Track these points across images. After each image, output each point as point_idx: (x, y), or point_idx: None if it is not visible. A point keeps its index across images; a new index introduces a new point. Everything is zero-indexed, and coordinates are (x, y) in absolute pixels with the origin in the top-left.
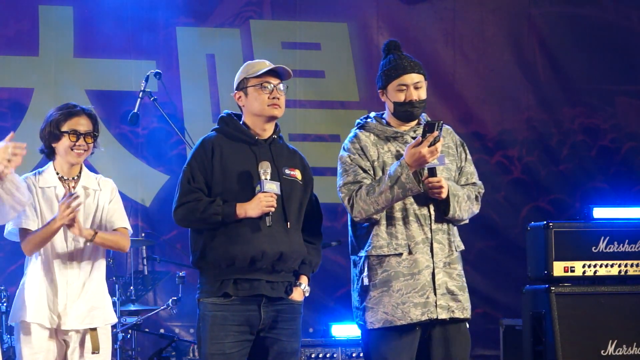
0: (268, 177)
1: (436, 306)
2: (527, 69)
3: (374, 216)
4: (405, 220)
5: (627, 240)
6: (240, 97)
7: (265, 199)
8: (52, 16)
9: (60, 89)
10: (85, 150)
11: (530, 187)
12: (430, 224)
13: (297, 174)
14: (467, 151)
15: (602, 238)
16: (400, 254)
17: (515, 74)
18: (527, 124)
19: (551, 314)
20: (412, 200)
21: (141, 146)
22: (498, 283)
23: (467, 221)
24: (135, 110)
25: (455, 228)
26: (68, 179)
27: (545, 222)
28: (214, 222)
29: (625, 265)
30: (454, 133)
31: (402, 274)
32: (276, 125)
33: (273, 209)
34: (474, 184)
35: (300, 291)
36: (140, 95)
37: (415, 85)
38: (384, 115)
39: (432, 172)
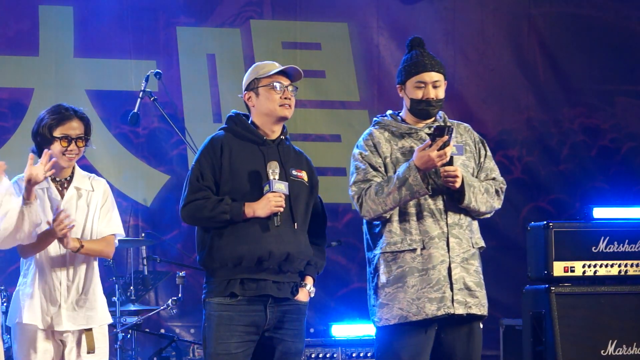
0: (277, 177)
1: (453, 301)
2: (527, 69)
3: (384, 215)
4: (420, 216)
5: (627, 240)
6: (250, 97)
7: (274, 199)
8: (52, 16)
9: (60, 89)
10: (76, 154)
11: (530, 187)
12: (446, 219)
13: (304, 175)
14: (487, 148)
15: (602, 238)
16: (415, 250)
17: (515, 74)
18: (527, 124)
19: (551, 314)
20: (426, 195)
21: (141, 146)
22: (498, 283)
23: (488, 215)
24: (136, 110)
25: (475, 224)
26: (60, 180)
27: (545, 222)
28: (222, 221)
29: (625, 265)
30: (473, 131)
31: (416, 269)
32: (283, 126)
33: (282, 209)
34: (494, 179)
35: (306, 292)
36: (140, 95)
37: (433, 84)
38: (400, 113)
39: (449, 161)
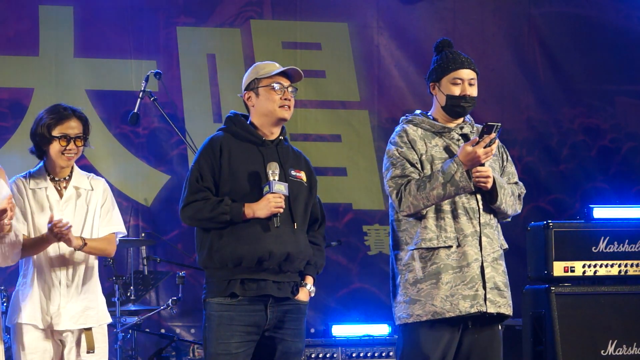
0: (277, 177)
1: (485, 300)
2: (527, 69)
3: (422, 211)
4: (454, 214)
5: (627, 240)
6: (250, 97)
7: (274, 200)
8: (52, 16)
9: (60, 89)
10: (75, 154)
11: (530, 187)
12: (479, 218)
13: (303, 175)
14: (508, 153)
15: (602, 238)
16: (450, 247)
17: (515, 74)
18: (527, 124)
19: (551, 314)
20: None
21: (142, 146)
22: None
23: (509, 219)
24: (136, 110)
25: (499, 226)
26: (59, 179)
27: (545, 222)
28: (222, 222)
29: (625, 265)
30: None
31: (451, 266)
32: (282, 127)
33: (281, 210)
34: (516, 183)
35: (306, 291)
36: (140, 95)
37: (469, 82)
38: (430, 112)
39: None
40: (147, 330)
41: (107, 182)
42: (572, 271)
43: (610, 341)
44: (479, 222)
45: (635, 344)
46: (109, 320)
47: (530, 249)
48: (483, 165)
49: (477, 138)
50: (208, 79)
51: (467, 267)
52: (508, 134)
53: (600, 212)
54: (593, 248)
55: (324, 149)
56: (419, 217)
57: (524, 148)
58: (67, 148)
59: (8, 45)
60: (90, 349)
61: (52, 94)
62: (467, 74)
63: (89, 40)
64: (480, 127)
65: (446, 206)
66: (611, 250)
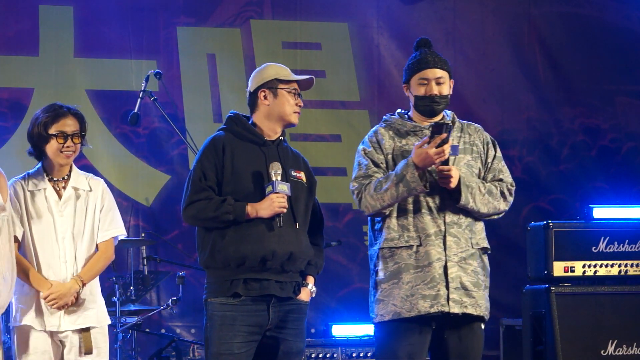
0: (279, 178)
1: (448, 300)
2: (527, 69)
3: (383, 211)
4: (417, 213)
5: (627, 240)
6: (266, 95)
7: (277, 200)
8: (52, 16)
9: (60, 89)
10: (73, 152)
11: (530, 187)
12: (444, 217)
13: (302, 176)
14: (497, 149)
15: (602, 238)
16: (411, 246)
17: (515, 74)
18: (527, 124)
19: (551, 314)
20: (424, 192)
21: (142, 146)
22: (498, 283)
23: (495, 217)
24: (136, 110)
25: (479, 225)
26: (58, 179)
27: (545, 222)
28: (225, 221)
29: (625, 265)
30: (484, 131)
31: (412, 266)
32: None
33: (285, 210)
34: (500, 180)
35: (308, 291)
36: (140, 95)
37: (437, 81)
38: (409, 112)
39: (445, 160)
40: (147, 330)
41: (107, 182)
42: (572, 271)
43: (610, 341)
44: (444, 222)
45: (635, 344)
46: (108, 321)
47: (530, 249)
48: (447, 164)
49: (428, 138)
50: (208, 79)
51: (428, 267)
52: (508, 134)
53: (600, 212)
54: (593, 248)
55: (324, 149)
56: (383, 216)
57: (524, 148)
58: (65, 145)
59: (8, 45)
60: (89, 350)
61: (52, 94)
62: (433, 73)
63: (89, 40)
64: (465, 123)
65: (409, 205)
66: (611, 250)
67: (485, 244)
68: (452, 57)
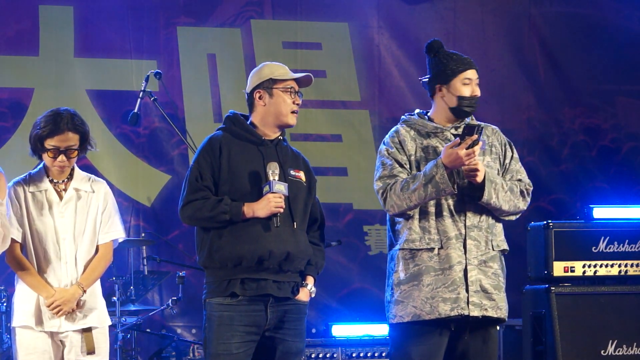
0: (277, 177)
1: (468, 303)
2: (527, 69)
3: (408, 212)
4: (439, 215)
5: (627, 240)
6: (262, 96)
7: (274, 199)
8: (52, 16)
9: (60, 89)
10: (67, 166)
11: None
12: (465, 220)
13: (302, 175)
14: (514, 150)
15: (602, 238)
16: (432, 249)
17: (515, 74)
18: (527, 124)
19: (551, 314)
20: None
21: (142, 146)
22: None
23: (513, 217)
24: (136, 110)
25: (499, 226)
26: (59, 181)
27: (545, 222)
28: (222, 221)
29: (625, 265)
30: (501, 133)
31: (433, 268)
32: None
33: (281, 210)
34: (519, 180)
35: (307, 291)
36: (140, 95)
37: (475, 81)
38: (429, 113)
39: None
40: (148, 330)
41: (108, 182)
42: (572, 271)
43: (610, 341)
44: (465, 225)
45: (635, 344)
46: (109, 322)
47: (531, 249)
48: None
49: (459, 140)
50: (208, 79)
51: (449, 270)
52: (508, 134)
53: (600, 212)
54: (593, 248)
55: (325, 148)
56: (406, 217)
57: (524, 148)
58: (57, 160)
59: (8, 45)
60: (90, 350)
61: (52, 94)
62: (474, 73)
63: (89, 40)
64: (483, 124)
65: (431, 208)
66: (611, 250)
67: (505, 245)
68: None
